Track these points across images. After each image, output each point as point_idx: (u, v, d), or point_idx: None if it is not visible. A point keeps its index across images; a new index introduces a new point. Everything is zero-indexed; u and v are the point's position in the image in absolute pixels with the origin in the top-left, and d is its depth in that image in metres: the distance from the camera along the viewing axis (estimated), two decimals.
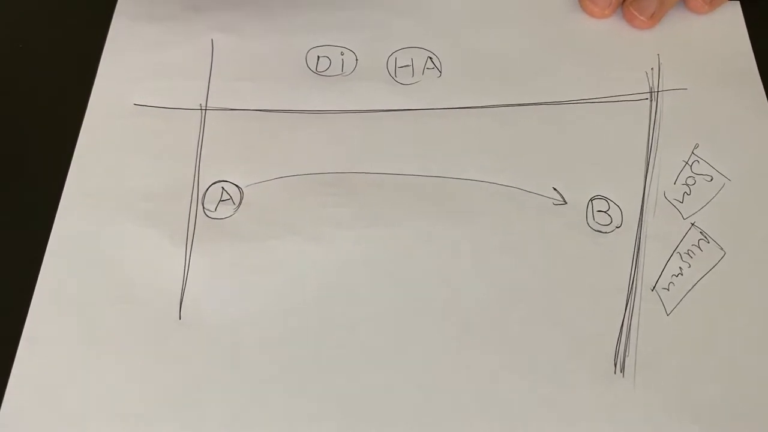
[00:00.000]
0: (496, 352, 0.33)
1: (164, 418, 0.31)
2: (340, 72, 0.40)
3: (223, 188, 0.37)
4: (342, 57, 0.41)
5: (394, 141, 0.38)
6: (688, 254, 0.35)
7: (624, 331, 0.33)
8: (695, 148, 0.38)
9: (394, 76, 0.40)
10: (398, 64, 0.40)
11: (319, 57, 0.41)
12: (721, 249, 0.35)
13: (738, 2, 0.43)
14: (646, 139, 0.38)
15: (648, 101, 0.39)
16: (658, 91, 0.40)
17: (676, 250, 0.35)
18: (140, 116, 0.38)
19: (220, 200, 0.36)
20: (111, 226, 0.35)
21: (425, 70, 0.40)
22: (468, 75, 0.40)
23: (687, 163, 0.38)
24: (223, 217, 0.36)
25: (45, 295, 0.34)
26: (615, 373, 0.32)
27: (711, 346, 0.33)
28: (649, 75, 0.40)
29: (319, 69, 0.40)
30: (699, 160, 0.38)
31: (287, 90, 0.39)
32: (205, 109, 0.39)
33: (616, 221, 0.36)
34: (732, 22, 0.42)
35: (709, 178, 0.37)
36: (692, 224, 0.36)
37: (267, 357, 0.33)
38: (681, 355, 0.33)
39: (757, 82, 0.40)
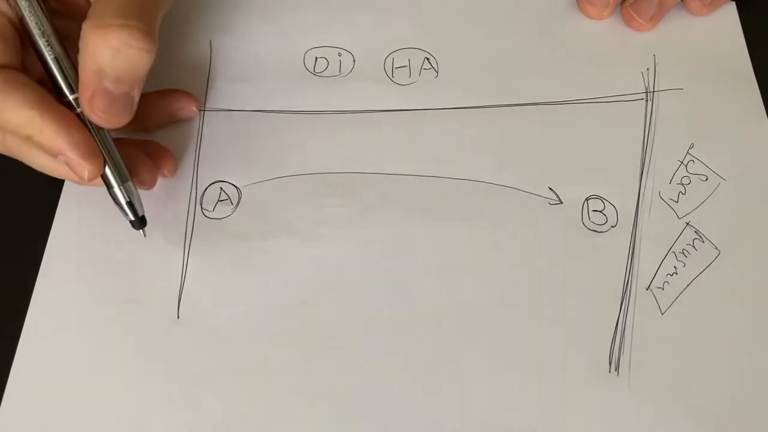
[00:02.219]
0: (492, 351, 0.33)
1: (163, 418, 0.31)
2: (338, 73, 0.40)
3: (221, 188, 0.37)
4: (339, 58, 0.41)
5: (392, 141, 0.38)
6: (683, 253, 0.36)
7: (619, 330, 0.34)
8: (690, 147, 0.38)
9: (391, 77, 0.40)
10: (395, 65, 0.41)
11: (316, 58, 0.41)
12: (716, 248, 0.36)
13: (734, 3, 0.43)
14: (642, 139, 0.38)
15: (644, 101, 0.40)
16: (653, 91, 0.40)
17: (671, 250, 0.36)
18: None
19: (219, 200, 0.36)
20: (110, 225, 0.35)
21: (422, 70, 0.40)
22: (464, 75, 0.40)
23: (682, 162, 0.38)
24: (222, 217, 0.36)
25: (44, 295, 0.34)
26: (609, 372, 0.33)
27: (705, 346, 0.33)
28: (645, 75, 0.40)
29: (316, 70, 0.40)
30: (694, 159, 0.38)
31: (285, 91, 0.40)
32: (204, 110, 0.39)
33: (612, 221, 0.36)
34: (727, 23, 0.42)
35: (704, 178, 0.38)
36: (687, 224, 0.36)
37: (265, 357, 0.33)
38: (675, 355, 0.33)
39: (752, 83, 0.40)
